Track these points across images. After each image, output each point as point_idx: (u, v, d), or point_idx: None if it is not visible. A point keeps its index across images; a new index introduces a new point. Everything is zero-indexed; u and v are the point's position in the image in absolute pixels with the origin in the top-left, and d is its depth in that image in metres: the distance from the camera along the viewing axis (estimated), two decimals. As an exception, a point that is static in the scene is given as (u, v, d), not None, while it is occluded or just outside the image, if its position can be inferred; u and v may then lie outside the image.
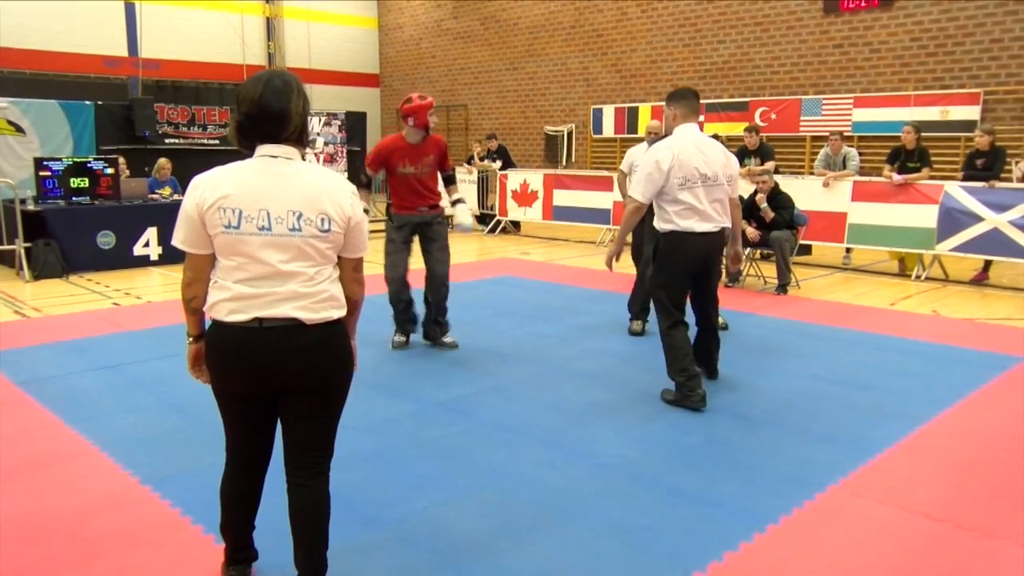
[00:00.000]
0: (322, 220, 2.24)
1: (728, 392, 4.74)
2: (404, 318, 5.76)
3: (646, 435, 4.06)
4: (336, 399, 2.40)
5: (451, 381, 4.97)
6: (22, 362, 5.30)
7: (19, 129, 10.93)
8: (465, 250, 11.58)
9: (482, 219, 13.39)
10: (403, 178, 5.46)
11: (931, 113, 11.64)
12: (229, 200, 2.19)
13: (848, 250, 9.85)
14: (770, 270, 8.39)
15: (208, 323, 2.33)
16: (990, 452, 3.87)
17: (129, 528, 3.04)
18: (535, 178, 12.98)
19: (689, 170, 4.36)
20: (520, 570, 2.76)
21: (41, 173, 9.12)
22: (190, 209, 2.23)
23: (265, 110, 2.23)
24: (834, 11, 12.77)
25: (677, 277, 4.53)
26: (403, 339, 5.81)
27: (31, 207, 8.98)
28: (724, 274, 7.66)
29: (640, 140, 8.58)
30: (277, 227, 2.21)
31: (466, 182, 14.00)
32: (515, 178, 13.23)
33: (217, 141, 12.72)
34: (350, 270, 2.39)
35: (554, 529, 3.05)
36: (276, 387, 2.31)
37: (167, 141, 12.46)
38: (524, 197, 12.84)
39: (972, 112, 11.34)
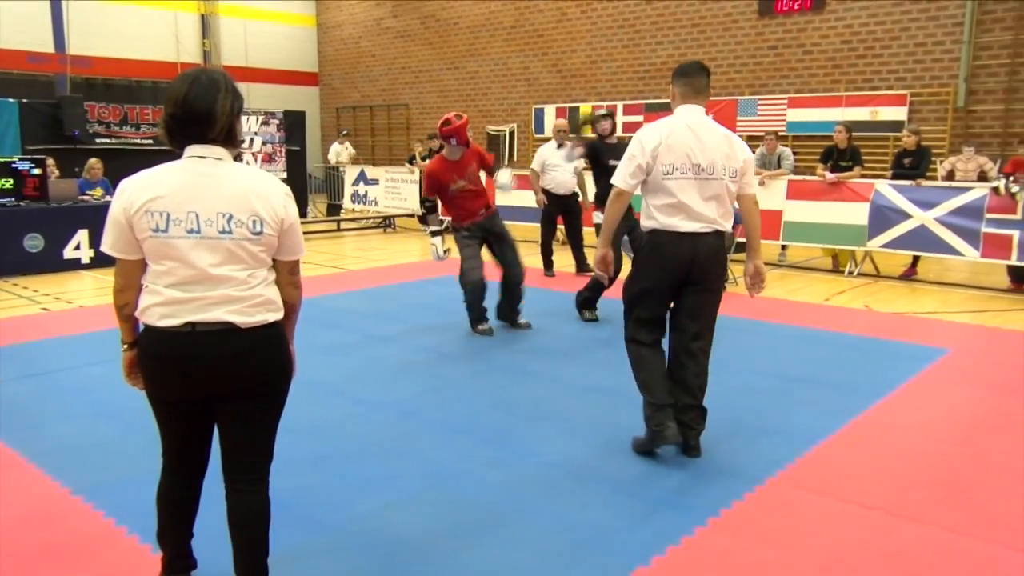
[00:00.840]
0: (253, 222, 2.20)
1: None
2: (480, 312, 6.18)
3: (589, 432, 4.09)
4: (273, 403, 2.36)
5: (394, 382, 4.94)
6: (-56, 371, 5.09)
7: (-63, 128, 10.48)
8: (409, 250, 11.51)
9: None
10: (457, 193, 6.12)
11: (862, 113, 12.01)
12: (156, 203, 2.14)
13: (783, 247, 10.08)
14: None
15: (141, 328, 2.28)
16: (919, 442, 4.01)
17: (60, 541, 2.94)
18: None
19: (678, 156, 3.65)
20: (466, 570, 2.76)
21: (-39, 174, 8.77)
22: (117, 214, 2.18)
23: (190, 110, 2.18)
24: (768, 13, 13.08)
25: (652, 288, 3.76)
26: (487, 325, 6.18)
27: (-49, 209, 8.62)
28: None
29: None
30: (206, 229, 2.16)
31: (408, 182, 13.92)
32: (458, 178, 13.18)
33: (151, 141, 12.38)
34: (286, 273, 2.35)
35: (500, 528, 3.06)
36: (211, 392, 2.26)
37: (98, 141, 12.09)
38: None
39: (900, 113, 11.74)
